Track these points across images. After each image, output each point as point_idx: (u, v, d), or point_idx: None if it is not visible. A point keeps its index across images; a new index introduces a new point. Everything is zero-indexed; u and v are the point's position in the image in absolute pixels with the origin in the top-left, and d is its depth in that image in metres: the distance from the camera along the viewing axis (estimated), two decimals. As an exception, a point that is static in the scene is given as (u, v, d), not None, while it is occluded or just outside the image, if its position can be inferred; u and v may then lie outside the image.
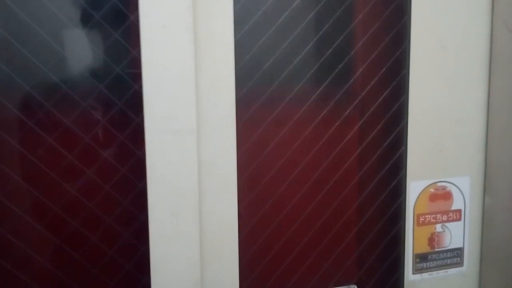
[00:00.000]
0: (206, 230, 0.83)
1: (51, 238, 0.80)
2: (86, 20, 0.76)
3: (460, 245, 1.00)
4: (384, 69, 0.93)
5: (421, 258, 0.98)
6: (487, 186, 0.99)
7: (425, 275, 0.99)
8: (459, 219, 1.00)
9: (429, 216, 0.98)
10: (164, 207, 0.79)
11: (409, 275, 0.98)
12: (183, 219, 0.80)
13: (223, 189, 0.84)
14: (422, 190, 0.96)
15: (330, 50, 0.90)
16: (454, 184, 0.98)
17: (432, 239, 0.98)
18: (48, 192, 0.78)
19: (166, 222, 0.79)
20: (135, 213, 0.82)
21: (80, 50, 0.77)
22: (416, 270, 0.98)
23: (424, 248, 0.98)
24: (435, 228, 0.98)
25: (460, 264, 1.01)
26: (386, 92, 0.94)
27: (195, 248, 0.81)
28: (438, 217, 0.98)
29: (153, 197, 0.78)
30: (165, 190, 0.79)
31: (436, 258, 0.99)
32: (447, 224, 0.99)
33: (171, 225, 0.80)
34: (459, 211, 0.99)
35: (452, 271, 1.00)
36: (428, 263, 0.99)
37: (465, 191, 0.99)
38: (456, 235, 1.00)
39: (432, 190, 0.97)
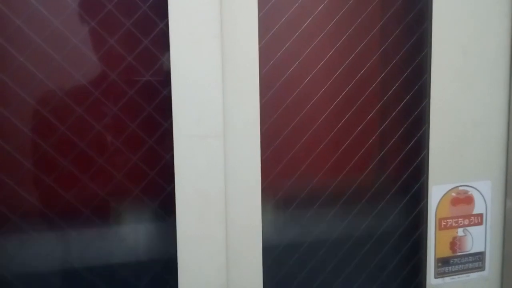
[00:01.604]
0: (231, 234, 0.84)
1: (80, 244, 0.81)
2: (117, 28, 0.78)
3: (482, 249, 1.00)
4: (406, 73, 0.94)
5: (443, 262, 0.98)
6: (508, 190, 0.99)
7: (447, 279, 0.99)
8: (481, 223, 1.00)
9: (451, 220, 0.98)
10: (191, 211, 0.80)
11: (431, 279, 0.98)
12: (210, 222, 0.81)
13: (247, 193, 0.85)
14: (444, 194, 0.97)
15: (353, 55, 0.91)
16: (476, 188, 0.99)
17: (454, 243, 0.99)
18: (79, 196, 0.80)
19: (193, 225, 0.81)
20: (164, 216, 0.83)
21: (111, 57, 0.79)
22: (438, 274, 0.98)
23: (446, 252, 0.98)
24: (457, 232, 0.99)
25: (482, 268, 1.01)
26: (408, 97, 0.95)
27: (221, 251, 0.82)
28: (459, 221, 0.99)
29: (180, 201, 0.80)
30: (192, 194, 0.80)
31: (458, 262, 0.99)
32: (468, 228, 0.99)
33: (197, 228, 0.81)
34: (481, 215, 1.00)
35: (474, 275, 1.00)
36: (450, 267, 0.99)
37: (487, 195, 0.99)
38: (478, 239, 1.00)
39: (453, 194, 0.97)
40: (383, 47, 0.93)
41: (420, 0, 0.93)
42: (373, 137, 0.94)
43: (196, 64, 0.78)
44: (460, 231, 0.99)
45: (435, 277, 0.98)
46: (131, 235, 0.83)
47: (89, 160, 0.79)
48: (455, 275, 0.99)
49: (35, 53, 0.76)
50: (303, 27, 0.88)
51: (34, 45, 0.76)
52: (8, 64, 0.76)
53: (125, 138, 0.80)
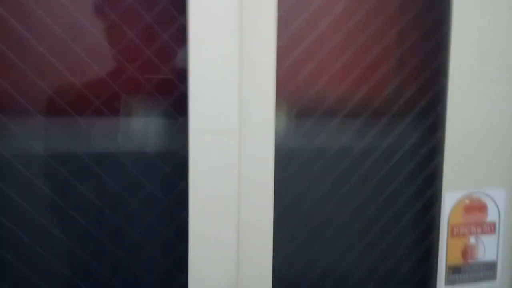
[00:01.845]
0: (243, 232, 0.83)
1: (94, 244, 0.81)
2: (136, 22, 0.78)
3: (494, 259, 0.99)
4: (423, 78, 0.93)
5: (454, 270, 0.97)
6: (522, 199, 0.98)
7: (458, 287, 0.98)
8: (493, 232, 0.99)
9: (463, 227, 0.97)
10: (204, 208, 0.80)
11: (441, 287, 0.97)
12: (222, 220, 0.81)
13: (260, 191, 0.84)
14: (457, 201, 0.96)
15: (370, 57, 0.90)
16: (489, 196, 0.98)
17: (466, 251, 0.98)
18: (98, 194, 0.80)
19: (205, 222, 0.80)
20: (176, 212, 0.83)
21: (129, 51, 0.79)
22: (448, 282, 0.97)
23: (457, 260, 0.97)
24: (469, 240, 0.97)
25: (493, 277, 0.99)
26: (424, 102, 0.94)
27: (232, 250, 0.82)
28: (472, 229, 0.97)
29: (194, 197, 0.79)
30: (206, 191, 0.79)
31: (469, 270, 0.98)
32: (481, 236, 0.98)
33: (210, 225, 0.80)
34: (494, 223, 0.99)
35: (484, 284, 0.99)
36: (461, 275, 0.98)
37: (500, 204, 0.98)
38: (490, 248, 0.99)
39: (467, 201, 0.96)
40: (401, 51, 0.92)
41: (440, 4, 0.92)
42: (387, 142, 0.93)
43: (214, 60, 0.78)
44: (472, 239, 0.98)
45: (446, 285, 0.97)
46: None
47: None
48: (466, 283, 0.98)
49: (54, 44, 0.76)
50: (321, 26, 0.87)
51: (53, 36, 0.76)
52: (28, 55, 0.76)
53: (142, 132, 0.80)
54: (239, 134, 0.80)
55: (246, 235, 0.83)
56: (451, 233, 0.96)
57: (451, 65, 0.91)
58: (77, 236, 0.80)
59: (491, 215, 0.98)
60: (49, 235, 0.79)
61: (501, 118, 0.96)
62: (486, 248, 0.99)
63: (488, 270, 0.99)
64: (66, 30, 0.76)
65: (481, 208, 0.98)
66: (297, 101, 0.88)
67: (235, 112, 0.79)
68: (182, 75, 0.79)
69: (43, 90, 0.76)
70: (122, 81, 0.79)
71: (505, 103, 0.95)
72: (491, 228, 0.99)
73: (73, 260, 0.80)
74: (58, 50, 0.76)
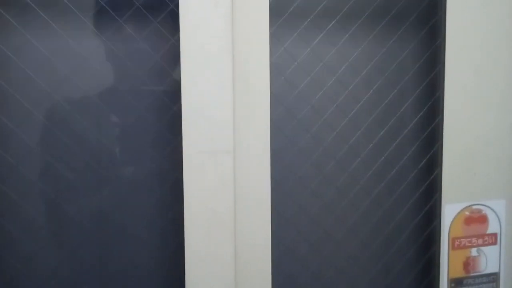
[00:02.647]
0: (240, 253, 0.83)
1: (84, 260, 0.80)
2: (128, 43, 0.78)
3: (496, 270, 0.98)
4: (419, 91, 0.93)
5: (456, 283, 0.96)
6: (523, 210, 0.97)
7: (460, 300, 0.97)
8: (495, 243, 0.98)
9: (464, 239, 0.96)
10: (199, 229, 0.79)
11: (444, 300, 0.96)
12: (218, 241, 0.80)
13: (256, 211, 0.84)
14: (458, 213, 0.95)
15: (364, 71, 0.90)
16: (490, 207, 0.97)
17: (468, 264, 0.96)
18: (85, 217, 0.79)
19: (201, 243, 0.79)
20: (172, 234, 0.82)
21: (122, 71, 0.79)
22: (451, 295, 0.96)
23: (459, 273, 0.96)
24: (471, 252, 0.96)
25: (496, 289, 0.98)
26: (421, 114, 0.93)
27: (229, 269, 0.81)
28: (473, 241, 0.96)
29: (189, 218, 0.78)
30: (201, 211, 0.79)
31: (471, 283, 0.97)
32: (482, 248, 0.97)
33: (206, 245, 0.79)
34: (495, 234, 0.98)
35: (487, 296, 0.98)
36: (464, 288, 0.97)
37: (501, 215, 0.97)
38: (492, 259, 0.98)
39: (467, 213, 0.95)
40: (395, 64, 0.92)
41: (433, 18, 0.92)
42: (385, 155, 0.92)
43: (207, 80, 0.77)
44: (473, 251, 0.96)
45: (448, 298, 0.96)
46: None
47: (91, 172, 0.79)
48: (469, 296, 0.97)
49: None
50: (315, 42, 0.87)
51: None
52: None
53: (134, 153, 0.80)
54: (234, 154, 0.80)
55: (243, 256, 0.83)
56: (452, 245, 0.95)
57: (447, 78, 0.91)
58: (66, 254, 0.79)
59: (492, 227, 0.97)
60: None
61: (498, 129, 0.95)
62: (488, 260, 0.97)
63: (491, 282, 0.98)
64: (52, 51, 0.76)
65: (482, 219, 0.97)
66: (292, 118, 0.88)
67: (229, 132, 0.79)
68: (175, 95, 0.79)
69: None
70: (113, 101, 0.79)
71: (502, 114, 0.95)
72: (493, 240, 0.97)
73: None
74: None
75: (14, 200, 0.77)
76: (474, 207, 0.96)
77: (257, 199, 0.83)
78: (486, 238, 0.97)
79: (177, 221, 0.80)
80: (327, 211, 0.90)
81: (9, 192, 0.76)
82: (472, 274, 0.97)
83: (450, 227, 0.95)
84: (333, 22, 0.87)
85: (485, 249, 0.97)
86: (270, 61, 0.81)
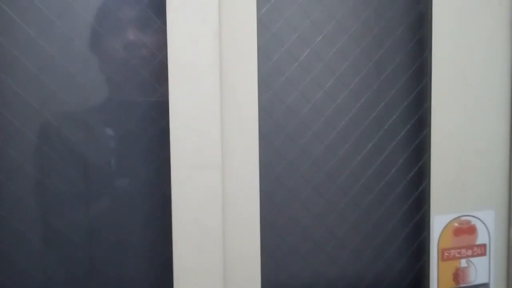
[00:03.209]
0: (229, 267, 0.83)
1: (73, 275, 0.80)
2: (116, 59, 0.78)
3: (486, 281, 0.98)
4: (406, 102, 0.94)
5: (447, 294, 0.96)
6: (512, 220, 0.98)
7: (451, 311, 0.97)
8: (484, 254, 0.98)
9: (453, 251, 0.96)
10: (188, 243, 0.79)
11: (434, 312, 0.96)
12: (207, 254, 0.80)
13: (245, 225, 0.84)
14: (446, 224, 0.95)
15: (352, 84, 0.91)
16: (478, 218, 0.97)
17: (457, 275, 0.97)
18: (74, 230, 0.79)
19: (190, 258, 0.79)
20: (160, 248, 0.82)
21: (109, 87, 0.79)
22: (441, 307, 0.96)
23: (449, 284, 0.96)
24: (460, 263, 0.97)
25: (486, 300, 0.99)
26: (408, 126, 0.94)
27: (219, 283, 0.81)
28: (462, 252, 0.97)
29: (177, 232, 0.78)
30: (190, 226, 0.79)
31: (462, 294, 0.97)
32: (472, 259, 0.97)
33: (195, 260, 0.79)
34: (484, 245, 0.98)
35: (478, 307, 0.98)
36: (454, 299, 0.97)
37: (490, 225, 0.98)
38: (482, 270, 0.98)
39: (456, 224, 0.96)
40: (383, 76, 0.92)
41: (420, 29, 0.93)
42: (374, 167, 0.93)
43: (195, 94, 0.77)
44: (463, 262, 0.97)
45: (439, 310, 0.96)
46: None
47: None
48: (459, 307, 0.97)
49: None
50: (302, 56, 0.87)
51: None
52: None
53: (123, 167, 0.80)
54: (223, 167, 0.80)
55: (233, 269, 0.83)
56: (442, 257, 0.95)
57: (434, 89, 0.92)
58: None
59: (481, 237, 0.98)
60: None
61: (487, 140, 0.95)
62: (478, 271, 0.98)
63: (481, 292, 0.98)
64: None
65: (471, 230, 0.97)
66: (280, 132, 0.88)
67: (217, 146, 0.79)
68: (163, 110, 0.79)
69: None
70: (102, 117, 0.79)
71: (490, 125, 0.95)
72: (482, 251, 0.98)
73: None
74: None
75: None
76: (463, 218, 0.96)
77: (246, 212, 0.84)
78: (475, 249, 0.97)
79: (166, 235, 0.80)
80: (317, 223, 0.91)
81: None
82: (462, 285, 0.97)
83: (439, 239, 0.95)
84: (320, 37, 0.88)
85: (475, 260, 0.97)
86: (258, 74, 0.82)
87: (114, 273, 0.81)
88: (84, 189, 0.79)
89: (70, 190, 0.79)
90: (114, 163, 0.80)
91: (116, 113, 0.79)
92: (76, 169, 0.79)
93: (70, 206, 0.79)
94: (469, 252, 0.97)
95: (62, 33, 0.77)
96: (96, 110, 0.79)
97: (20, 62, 0.76)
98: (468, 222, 0.97)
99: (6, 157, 0.76)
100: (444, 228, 0.95)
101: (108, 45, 0.78)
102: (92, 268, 0.80)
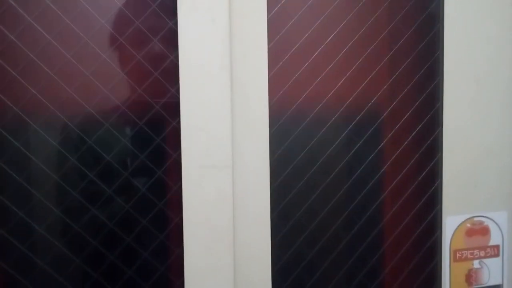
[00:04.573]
0: (239, 266, 0.83)
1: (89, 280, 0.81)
2: (128, 60, 0.79)
3: (499, 282, 0.97)
4: (418, 102, 0.93)
5: (459, 296, 0.96)
6: (525, 221, 0.97)
7: (463, 313, 0.96)
8: (497, 255, 0.97)
9: (466, 252, 0.95)
10: (199, 242, 0.80)
11: (446, 313, 0.95)
12: (218, 254, 0.80)
13: (256, 224, 0.84)
14: (459, 225, 0.94)
15: (364, 83, 0.90)
16: (492, 219, 0.96)
17: (470, 276, 0.96)
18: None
19: (201, 257, 0.80)
20: (171, 247, 0.83)
21: (121, 88, 0.80)
22: (453, 308, 0.95)
23: (462, 285, 0.95)
24: (473, 264, 0.96)
25: (499, 302, 0.98)
26: (420, 126, 0.93)
27: (229, 282, 0.81)
28: (475, 253, 0.96)
29: (188, 232, 0.79)
30: (201, 225, 0.79)
31: (474, 295, 0.96)
32: (485, 260, 0.96)
33: (206, 260, 0.80)
34: (497, 246, 0.97)
35: (491, 309, 0.97)
36: (466, 301, 0.96)
37: (503, 226, 0.97)
38: (495, 271, 0.97)
39: (468, 225, 0.95)
40: (395, 76, 0.92)
41: (432, 28, 0.92)
42: (385, 167, 0.93)
43: (206, 95, 0.78)
44: (476, 263, 0.96)
45: (451, 311, 0.95)
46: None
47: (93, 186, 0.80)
48: (472, 309, 0.96)
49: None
50: (312, 57, 0.88)
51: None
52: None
53: (135, 168, 0.81)
54: (233, 168, 0.81)
55: (243, 269, 0.83)
56: (454, 258, 0.95)
57: (446, 89, 0.91)
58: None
59: (494, 238, 0.97)
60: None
61: (499, 140, 0.94)
62: (491, 272, 0.97)
63: (494, 294, 0.97)
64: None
65: (484, 231, 0.96)
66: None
67: (228, 146, 0.80)
68: (174, 111, 0.80)
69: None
70: (113, 118, 0.80)
71: (502, 125, 0.94)
72: (495, 252, 0.97)
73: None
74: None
75: None
76: (476, 219, 0.95)
77: (257, 212, 0.84)
78: (488, 250, 0.97)
79: (177, 235, 0.81)
80: (325, 224, 0.90)
81: None
82: (475, 287, 0.96)
83: (451, 239, 0.94)
84: (330, 37, 0.88)
85: (488, 261, 0.97)
86: (268, 75, 0.82)
87: (126, 272, 0.82)
88: (96, 188, 0.80)
89: (82, 187, 0.80)
90: (126, 163, 0.81)
91: (128, 114, 0.80)
92: (89, 168, 0.80)
93: (80, 202, 0.80)
94: (482, 253, 0.96)
95: (76, 35, 0.78)
96: (107, 111, 0.80)
97: (37, 64, 0.77)
98: (481, 223, 0.96)
99: (25, 158, 0.78)
100: (457, 228, 0.95)
101: (120, 47, 0.79)
102: (102, 266, 0.81)
